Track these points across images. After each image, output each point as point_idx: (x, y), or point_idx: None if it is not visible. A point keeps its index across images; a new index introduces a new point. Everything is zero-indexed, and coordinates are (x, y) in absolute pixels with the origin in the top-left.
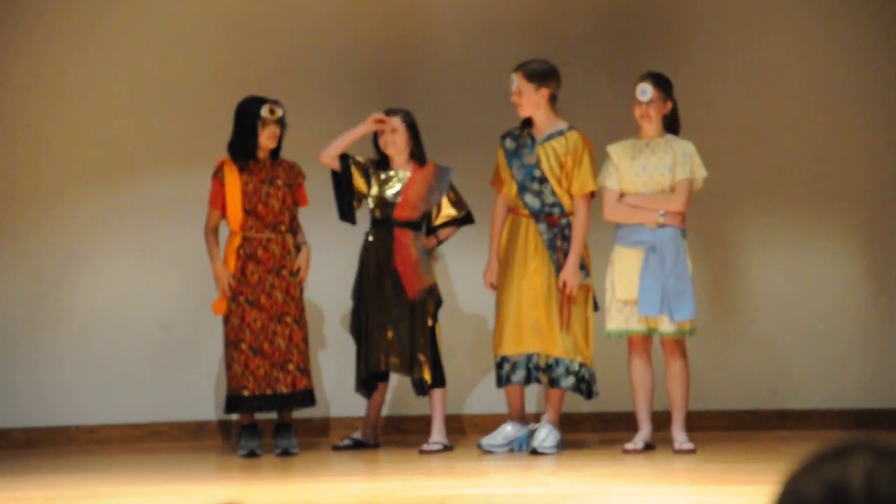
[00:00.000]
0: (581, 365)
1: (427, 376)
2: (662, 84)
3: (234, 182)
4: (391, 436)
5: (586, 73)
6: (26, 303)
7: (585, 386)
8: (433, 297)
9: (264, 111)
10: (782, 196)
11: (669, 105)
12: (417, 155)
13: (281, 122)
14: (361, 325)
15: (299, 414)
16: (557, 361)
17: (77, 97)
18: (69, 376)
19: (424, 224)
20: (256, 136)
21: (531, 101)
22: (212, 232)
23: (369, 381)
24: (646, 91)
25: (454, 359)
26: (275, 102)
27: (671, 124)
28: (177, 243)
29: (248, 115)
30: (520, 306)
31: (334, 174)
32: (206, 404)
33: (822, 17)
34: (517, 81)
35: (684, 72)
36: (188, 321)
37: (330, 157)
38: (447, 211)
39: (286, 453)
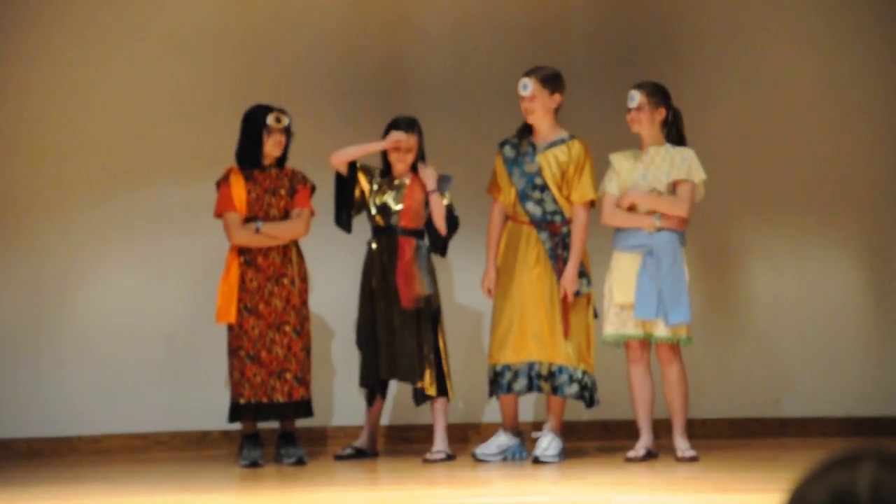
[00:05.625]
0: (584, 373)
1: (429, 385)
2: (652, 91)
3: (239, 190)
4: (395, 445)
5: (585, 83)
6: (27, 313)
7: (588, 394)
8: (431, 307)
9: (270, 119)
10: (784, 204)
11: (663, 112)
12: (417, 162)
13: (287, 131)
14: (366, 333)
15: (299, 423)
16: (561, 369)
17: (76, 106)
18: (71, 386)
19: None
20: (262, 144)
21: (544, 107)
22: (239, 226)
23: (372, 390)
24: (633, 97)
25: (452, 367)
26: (281, 111)
27: (670, 133)
28: (178, 252)
29: (254, 124)
30: (522, 314)
31: (338, 178)
32: (208, 414)
33: (825, 26)
34: (531, 86)
35: (684, 80)
36: (190, 331)
37: (341, 161)
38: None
39: (300, 462)
